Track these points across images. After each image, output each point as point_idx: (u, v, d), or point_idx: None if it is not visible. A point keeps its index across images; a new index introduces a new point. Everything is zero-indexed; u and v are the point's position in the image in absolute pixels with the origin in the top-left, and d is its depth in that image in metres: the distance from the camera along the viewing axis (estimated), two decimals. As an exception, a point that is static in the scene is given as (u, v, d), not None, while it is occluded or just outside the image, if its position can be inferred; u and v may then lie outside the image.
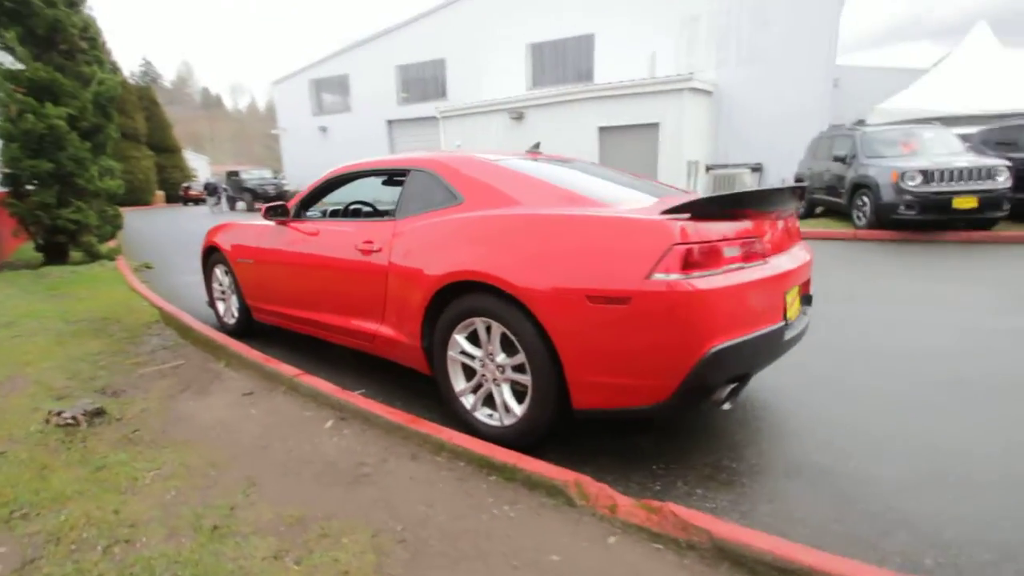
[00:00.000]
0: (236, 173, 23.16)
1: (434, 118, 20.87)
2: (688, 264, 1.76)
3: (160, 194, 30.09)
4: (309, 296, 3.12)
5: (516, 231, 2.09)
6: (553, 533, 1.63)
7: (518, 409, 2.14)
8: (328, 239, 3.00)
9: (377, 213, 3.72)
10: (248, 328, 3.90)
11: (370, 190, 3.89)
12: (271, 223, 3.47)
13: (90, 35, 7.20)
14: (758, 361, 2.00)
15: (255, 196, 21.48)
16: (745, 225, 1.98)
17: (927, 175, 7.08)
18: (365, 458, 2.11)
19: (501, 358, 2.17)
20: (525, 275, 1.98)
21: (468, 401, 2.34)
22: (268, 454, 2.18)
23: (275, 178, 23.25)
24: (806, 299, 2.53)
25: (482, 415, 2.30)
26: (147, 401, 2.79)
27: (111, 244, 8.38)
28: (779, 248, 2.18)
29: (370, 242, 2.69)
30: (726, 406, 1.93)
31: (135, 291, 5.51)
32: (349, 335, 2.93)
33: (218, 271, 4.06)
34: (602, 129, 14.60)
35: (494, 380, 2.23)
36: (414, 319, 2.45)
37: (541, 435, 2.12)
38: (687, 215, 1.83)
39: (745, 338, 1.86)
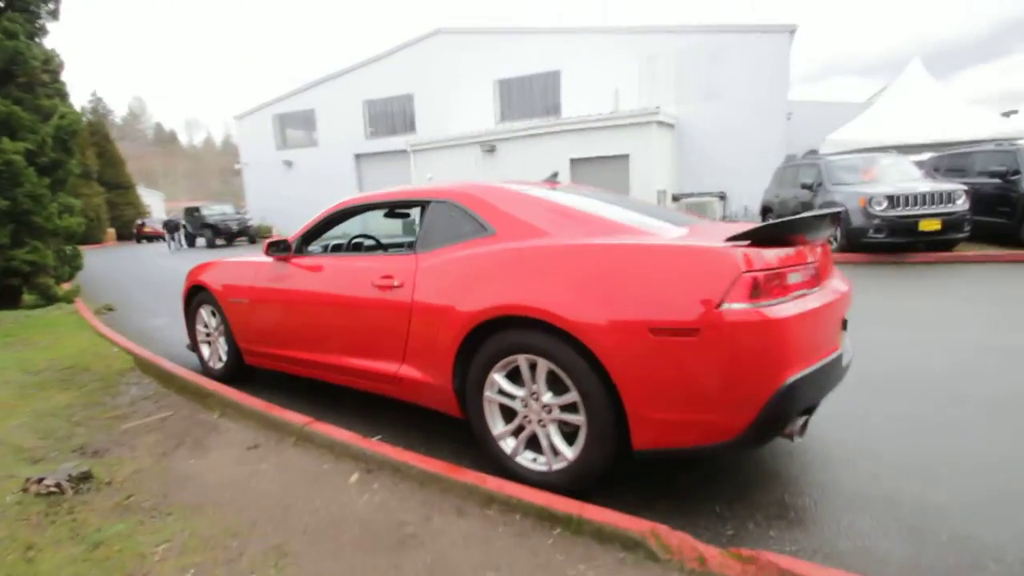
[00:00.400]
0: (196, 209, 22.38)
1: (403, 152, 20.87)
2: (757, 292, 1.70)
3: (111, 232, 28.76)
4: (316, 337, 2.91)
5: (566, 262, 1.98)
6: (639, 593, 1.48)
7: (569, 452, 2.00)
8: (338, 275, 2.82)
9: (391, 247, 3.56)
10: (238, 373, 3.61)
11: (365, 224, 3.74)
12: (268, 259, 3.26)
13: (51, 68, 6.87)
14: (825, 390, 1.93)
15: (216, 232, 20.78)
16: (799, 252, 1.94)
17: (892, 200, 7.45)
18: (405, 516, 1.91)
19: (548, 397, 2.04)
20: (580, 308, 1.87)
21: (508, 445, 2.18)
22: (292, 517, 1.94)
23: (237, 212, 22.60)
24: (843, 325, 2.51)
25: (525, 460, 2.14)
26: (137, 460, 2.49)
27: (67, 286, 7.82)
28: (825, 274, 2.15)
29: (389, 277, 2.53)
30: (797, 439, 1.85)
31: (101, 336, 5.09)
32: (364, 378, 2.73)
33: (203, 312, 3.78)
34: (573, 161, 14.90)
35: (539, 421, 2.08)
36: (444, 359, 2.29)
37: (594, 479, 1.97)
38: (747, 242, 1.78)
39: (817, 366, 1.80)
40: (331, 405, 3.15)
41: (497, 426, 2.21)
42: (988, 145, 8.96)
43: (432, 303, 2.34)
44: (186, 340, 4.04)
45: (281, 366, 3.24)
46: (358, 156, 23.35)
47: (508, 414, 2.20)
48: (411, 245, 3.10)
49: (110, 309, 6.93)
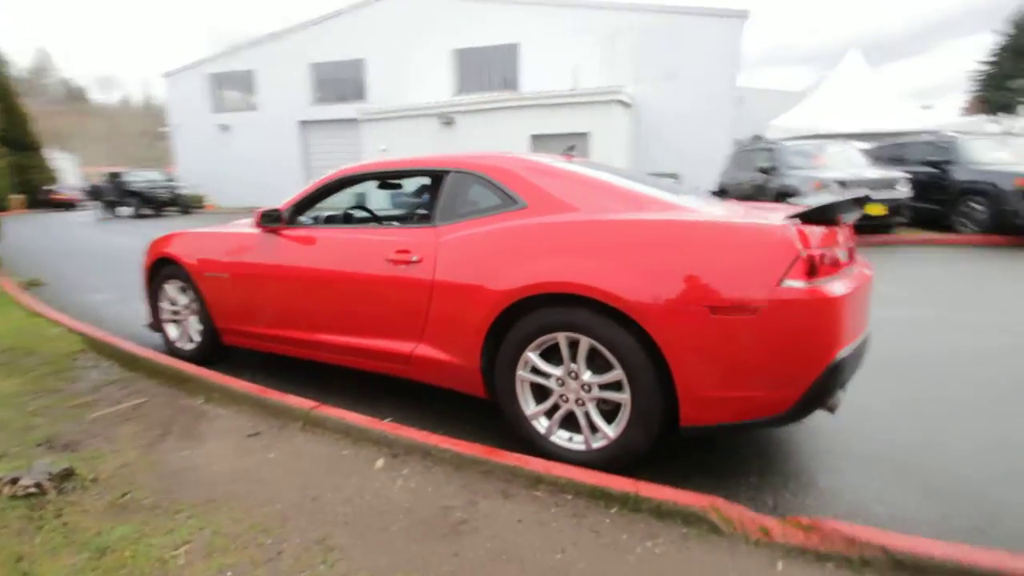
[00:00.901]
0: (117, 175, 20.38)
1: (353, 120, 19.89)
2: (813, 270, 1.70)
3: (18, 198, 25.82)
4: (316, 316, 2.70)
5: (617, 238, 1.91)
6: (714, 568, 1.47)
7: (610, 430, 1.96)
8: (344, 249, 2.61)
9: (397, 219, 3.34)
10: (213, 354, 3.33)
11: (350, 198, 3.49)
12: (252, 230, 2.99)
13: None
14: (858, 366, 1.99)
15: (143, 200, 19.05)
16: (838, 231, 1.97)
17: (844, 184, 7.87)
18: (448, 501, 1.82)
19: (587, 376, 1.98)
20: (635, 287, 1.81)
21: (541, 425, 2.12)
22: (326, 508, 1.80)
23: (167, 180, 20.84)
24: None
25: (560, 439, 2.09)
26: (120, 454, 2.24)
27: (-20, 257, 6.93)
28: (854, 255, 2.21)
29: (406, 252, 2.37)
30: (835, 412, 1.90)
31: (37, 314, 4.55)
32: (371, 358, 2.57)
33: (170, 288, 3.43)
34: (535, 137, 14.74)
35: (576, 400, 2.03)
36: (471, 338, 2.18)
37: (637, 458, 1.96)
38: (798, 221, 1.79)
39: (857, 342, 1.85)
40: (321, 387, 2.96)
41: (529, 405, 2.14)
42: (925, 136, 9.62)
43: (458, 280, 2.21)
44: (143, 318, 3.67)
45: (269, 346, 3.00)
46: (303, 123, 22.07)
47: (540, 393, 2.14)
48: (424, 217, 2.94)
49: (37, 284, 6.22)
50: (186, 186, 21.21)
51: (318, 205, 3.05)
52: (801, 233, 1.74)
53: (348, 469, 2.05)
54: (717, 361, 1.76)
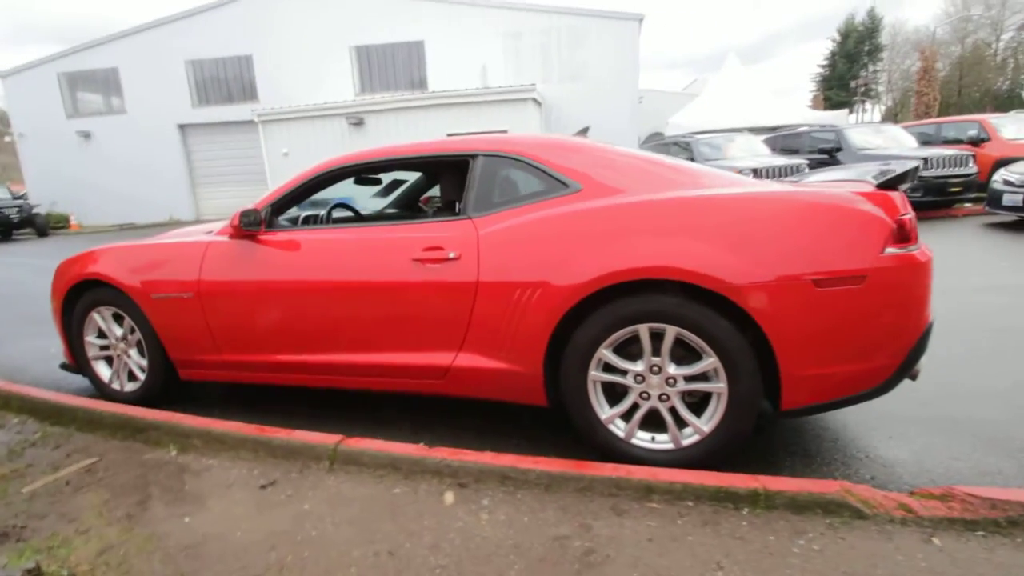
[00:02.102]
0: (-56, 192, 16.84)
1: (242, 122, 18.26)
2: (904, 236, 1.69)
3: None
4: (320, 335, 2.28)
5: (711, 217, 1.77)
6: (879, 554, 1.39)
7: (704, 424, 1.83)
8: (354, 252, 2.22)
9: (401, 216, 2.93)
10: (164, 393, 2.74)
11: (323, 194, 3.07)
12: (220, 239, 2.48)
13: None
14: None
15: (-16, 223, 15.94)
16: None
17: (757, 173, 8.52)
18: (556, 530, 1.57)
19: (672, 368, 1.84)
20: (732, 266, 1.69)
21: (619, 428, 1.94)
22: (413, 563, 1.47)
23: (15, 197, 17.62)
24: None
25: (642, 441, 1.93)
26: (94, 534, 1.71)
27: None
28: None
29: (438, 248, 2.07)
30: (917, 378, 1.92)
31: None
32: (397, 376, 2.22)
33: (98, 318, 2.77)
34: (451, 136, 14.41)
35: (660, 396, 1.87)
36: (533, 340, 1.94)
37: (734, 450, 1.84)
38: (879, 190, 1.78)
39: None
40: (309, 416, 2.55)
41: (604, 409, 1.94)
42: (816, 126, 10.73)
43: (511, 278, 1.96)
44: (55, 356, 2.95)
45: (252, 376, 2.51)
46: (183, 127, 19.81)
47: (614, 394, 1.96)
48: (444, 209, 2.61)
49: None
50: (40, 203, 18.15)
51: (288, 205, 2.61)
52: (899, 199, 1.73)
53: (413, 510, 1.72)
54: (821, 337, 1.69)
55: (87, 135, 19.90)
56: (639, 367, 1.87)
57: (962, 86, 40.34)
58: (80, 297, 2.79)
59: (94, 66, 19.50)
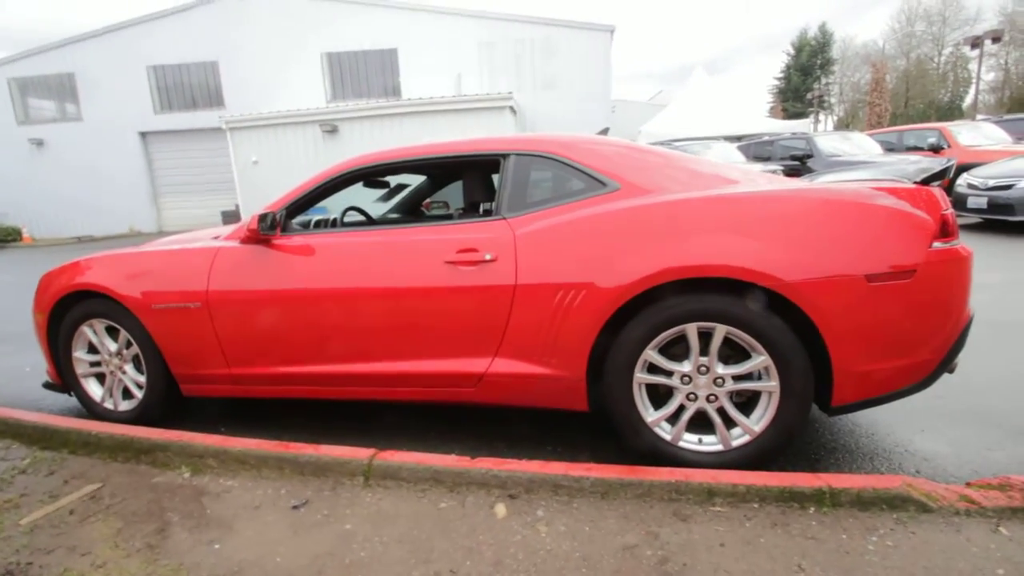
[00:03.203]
0: None
1: (208, 130, 17.74)
2: (947, 231, 1.72)
3: None
4: (347, 343, 2.17)
5: (761, 214, 1.76)
6: (952, 547, 1.38)
7: (755, 424, 1.81)
8: (376, 257, 2.13)
9: (440, 216, 2.82)
10: (164, 410, 2.57)
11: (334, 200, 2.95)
12: (229, 244, 2.35)
13: None
14: None
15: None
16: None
17: (736, 178, 8.73)
18: (623, 539, 1.51)
19: (721, 368, 1.81)
20: (785, 263, 1.68)
21: (665, 431, 1.90)
22: (481, 581, 1.39)
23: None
24: None
25: (688, 443, 1.89)
26: (114, 568, 1.55)
27: None
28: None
29: (472, 251, 1.99)
30: (954, 372, 1.94)
31: None
32: (427, 384, 2.13)
33: (89, 332, 2.58)
34: (428, 144, 14.29)
35: (708, 397, 1.84)
36: (577, 343, 1.89)
37: (784, 449, 1.83)
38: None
39: None
40: (318, 430, 2.43)
41: (649, 411, 1.90)
42: (786, 134, 11.10)
43: (552, 280, 1.90)
44: (35, 374, 2.73)
45: (263, 390, 2.37)
46: (145, 135, 19.08)
47: (658, 395, 1.92)
48: (471, 209, 2.53)
49: None
50: (-11, 214, 17.14)
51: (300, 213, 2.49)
52: (941, 195, 1.76)
53: (464, 525, 1.63)
54: (873, 332, 1.69)
55: (40, 143, 18.93)
56: (686, 368, 1.84)
57: (908, 98, 42.64)
58: (69, 310, 2.59)
59: (48, 71, 18.60)
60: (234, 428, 2.54)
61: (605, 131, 3.08)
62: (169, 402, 2.55)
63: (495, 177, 2.20)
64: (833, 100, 49.14)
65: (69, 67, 18.44)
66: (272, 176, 14.49)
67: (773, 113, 44.41)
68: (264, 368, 2.29)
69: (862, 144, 9.87)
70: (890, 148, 10.40)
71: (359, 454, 1.94)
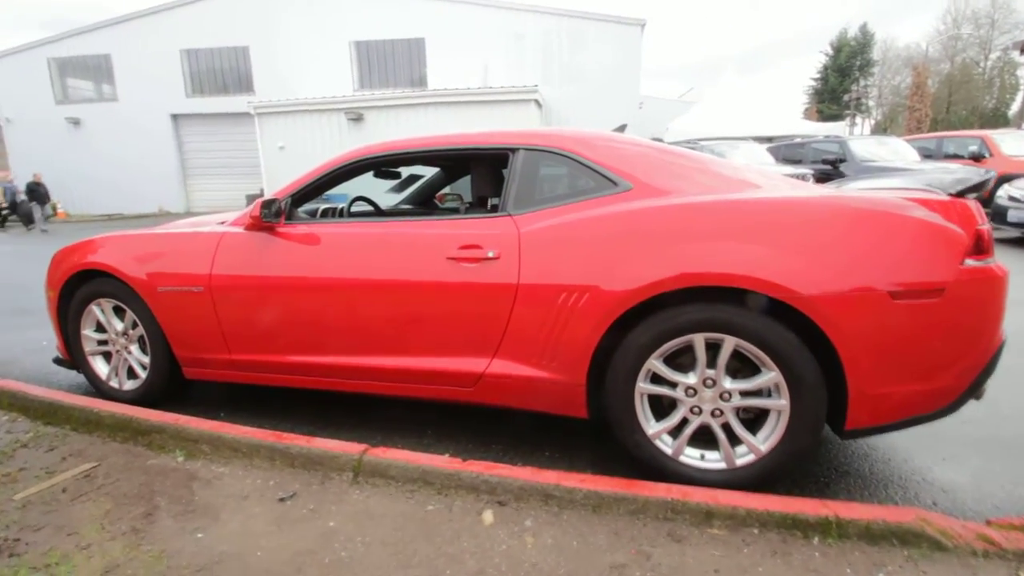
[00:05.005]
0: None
1: (240, 115, 17.97)
2: (982, 248, 1.60)
3: None
4: (345, 335, 2.14)
5: (779, 221, 1.66)
6: (969, 595, 1.28)
7: (761, 443, 1.71)
8: (378, 249, 2.08)
9: (437, 209, 2.77)
10: (166, 391, 2.58)
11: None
12: (234, 230, 2.33)
13: None
14: None
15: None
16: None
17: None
18: (612, 557, 1.44)
19: (728, 382, 1.72)
20: (801, 274, 1.58)
21: (666, 444, 1.82)
22: (460, 592, 1.34)
23: (2, 185, 17.16)
24: None
25: (690, 459, 1.80)
26: (97, 550, 1.55)
27: None
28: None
29: (475, 247, 1.93)
30: (981, 398, 1.82)
31: None
32: (423, 382, 2.08)
33: (98, 310, 2.60)
34: (452, 135, 14.27)
35: (713, 412, 1.75)
36: (578, 348, 1.82)
37: (790, 471, 1.73)
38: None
39: None
40: (312, 420, 2.41)
41: (651, 423, 1.82)
42: (819, 136, 10.76)
43: (556, 280, 1.83)
44: (47, 349, 2.77)
45: (261, 378, 2.35)
46: (176, 117, 19.51)
47: (661, 407, 1.84)
48: (479, 204, 2.47)
49: None
50: (24, 192, 17.69)
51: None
52: (977, 209, 1.63)
53: (450, 530, 1.58)
54: (894, 353, 1.58)
55: (76, 122, 19.49)
56: (691, 379, 1.75)
57: (951, 103, 41.06)
58: (79, 288, 2.62)
59: (86, 52, 19.09)
60: (234, 413, 2.54)
61: (622, 128, 2.95)
62: (172, 384, 2.56)
63: (505, 172, 2.13)
64: (871, 103, 47.64)
65: (106, 48, 18.90)
66: (297, 162, 14.65)
67: (808, 115, 43.23)
68: (262, 355, 2.28)
69: (899, 150, 9.49)
70: (928, 155, 10.00)
71: (350, 449, 1.90)
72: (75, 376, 2.98)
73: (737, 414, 1.75)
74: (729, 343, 1.68)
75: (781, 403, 1.67)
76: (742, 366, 1.73)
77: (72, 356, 2.74)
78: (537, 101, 14.74)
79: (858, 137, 10.39)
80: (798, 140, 10.83)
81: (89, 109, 19.47)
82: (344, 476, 1.86)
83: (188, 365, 2.48)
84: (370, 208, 2.91)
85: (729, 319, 1.65)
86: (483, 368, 1.98)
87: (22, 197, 16.51)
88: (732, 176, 1.94)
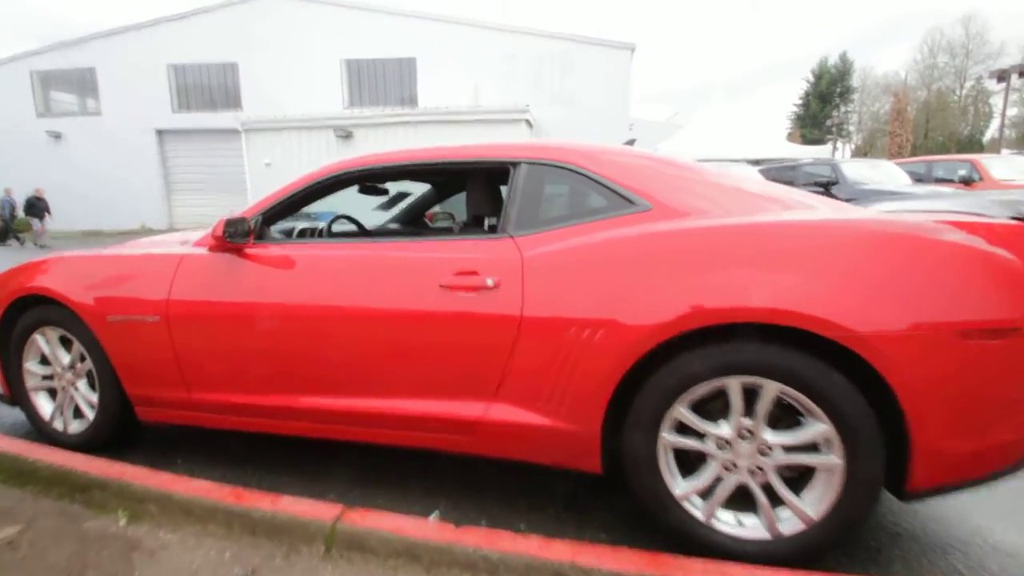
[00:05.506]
0: None
1: (224, 131, 17.69)
2: (1058, 283, 1.38)
3: None
4: (319, 372, 1.86)
5: (828, 250, 1.43)
6: None
7: (811, 509, 1.46)
8: (360, 274, 1.82)
9: (439, 229, 2.53)
10: (115, 435, 2.27)
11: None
12: (196, 251, 2.06)
13: None
14: None
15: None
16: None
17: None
18: (643, 661, 1.17)
19: (769, 435, 1.47)
20: (856, 310, 1.35)
21: (695, 507, 1.56)
22: None
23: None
24: None
25: (725, 525, 1.54)
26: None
27: None
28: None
29: (472, 274, 1.68)
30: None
31: None
32: (410, 428, 1.81)
33: (41, 340, 2.29)
34: (442, 153, 14.13)
35: (751, 469, 1.50)
36: (592, 392, 1.56)
37: (843, 541, 1.48)
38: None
39: None
40: (271, 470, 2.11)
41: (678, 481, 1.56)
42: (809, 159, 10.77)
43: (565, 313, 1.58)
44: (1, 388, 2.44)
45: (224, 421, 2.06)
46: (161, 132, 19.15)
47: (689, 463, 1.59)
48: (475, 224, 2.22)
49: None
50: (24, 206, 17.13)
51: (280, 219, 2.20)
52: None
53: (442, 619, 1.30)
54: (963, 400, 1.35)
55: (58, 136, 19.07)
56: (724, 431, 1.50)
57: (928, 129, 42.18)
58: (21, 315, 2.31)
59: (68, 65, 18.77)
60: (192, 456, 2.24)
61: (631, 143, 2.83)
62: (124, 426, 2.25)
63: (504, 189, 1.90)
64: (851, 128, 48.79)
65: (91, 62, 18.60)
66: (284, 179, 14.37)
67: (791, 139, 44.10)
68: (224, 395, 1.98)
69: (891, 173, 9.49)
70: (919, 179, 10.02)
71: (322, 514, 1.61)
72: (16, 414, 2.64)
73: (780, 472, 1.50)
74: (770, 389, 1.44)
75: (833, 460, 1.42)
76: (782, 414, 1.49)
77: (12, 391, 2.42)
78: (528, 121, 14.69)
79: (850, 160, 10.42)
80: (788, 163, 10.83)
81: (71, 123, 19.07)
82: (314, 548, 1.57)
83: (141, 405, 2.17)
84: (353, 228, 2.65)
85: (771, 360, 1.41)
86: (480, 413, 1.71)
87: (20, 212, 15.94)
88: (762, 194, 1.73)
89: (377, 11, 17.71)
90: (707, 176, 1.78)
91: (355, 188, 2.41)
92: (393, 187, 2.95)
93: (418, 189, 3.10)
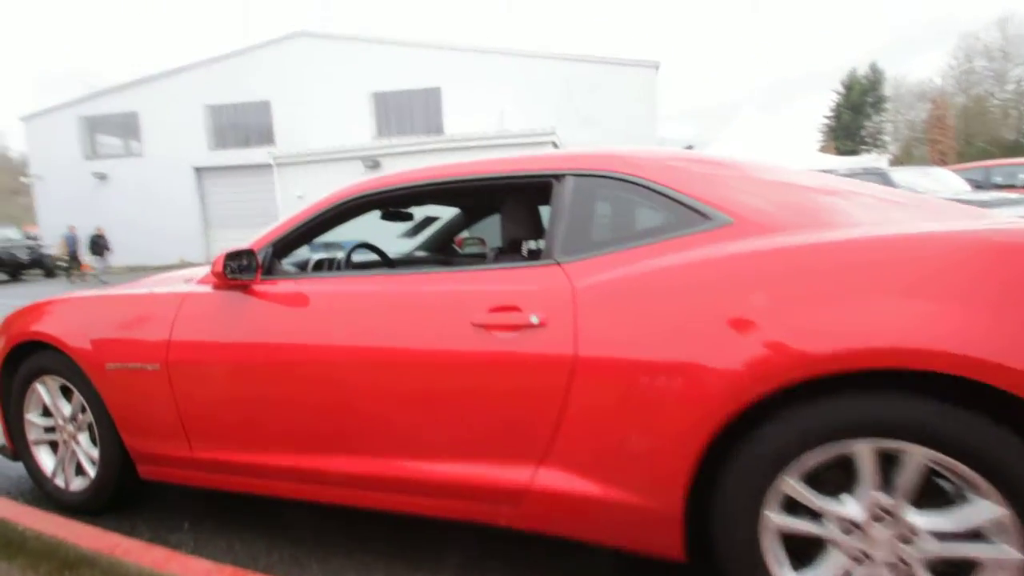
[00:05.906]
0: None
1: (261, 166, 18.13)
2: None
3: None
4: (331, 427, 1.58)
5: (982, 269, 1.09)
6: None
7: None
8: (382, 312, 1.55)
9: (471, 256, 2.30)
10: (117, 495, 2.03)
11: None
12: (199, 289, 1.83)
13: None
14: None
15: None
16: None
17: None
18: None
19: (916, 517, 1.11)
20: (1035, 351, 0.99)
21: (810, 609, 1.19)
22: None
23: (25, 237, 17.38)
24: None
25: (859, 637, 1.17)
26: None
27: None
28: None
29: (512, 309, 1.39)
30: None
31: None
32: (441, 495, 1.51)
33: (42, 390, 2.10)
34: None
35: (891, 562, 1.13)
36: (672, 457, 1.23)
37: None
38: None
39: None
40: (286, 531, 1.81)
41: (787, 574, 1.20)
42: (856, 167, 10.25)
43: (629, 355, 1.27)
44: (3, 440, 2.27)
45: (231, 482, 1.79)
46: (200, 170, 19.86)
47: (802, 551, 1.22)
48: (511, 249, 1.94)
49: None
50: (51, 245, 17.92)
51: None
52: None
53: None
54: None
55: (103, 177, 19.97)
56: (851, 510, 1.14)
57: (968, 135, 40.44)
58: (22, 362, 2.13)
59: (114, 110, 19.76)
60: (202, 522, 1.98)
61: (689, 148, 2.58)
62: (127, 484, 2.02)
63: (547, 208, 1.62)
64: (887, 138, 47.26)
65: (133, 107, 19.55)
66: (315, 208, 14.58)
67: (824, 151, 42.93)
68: (230, 453, 1.72)
69: (945, 180, 8.87)
70: (977, 185, 9.35)
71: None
72: (20, 469, 2.45)
73: (930, 567, 1.12)
74: (916, 456, 1.08)
75: (1010, 554, 1.05)
76: (932, 489, 1.12)
77: (14, 445, 2.23)
78: (554, 143, 14.55)
79: (900, 168, 9.85)
80: (841, 172, 10.32)
81: (115, 164, 19.98)
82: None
83: (142, 462, 1.94)
84: (375, 258, 2.40)
85: (920, 420, 1.06)
86: (527, 479, 1.40)
87: (47, 250, 16.67)
88: (876, 202, 1.39)
89: (403, 44, 18.13)
90: (796, 179, 1.46)
91: (378, 214, 2.18)
92: (420, 212, 2.71)
93: (447, 214, 2.86)
